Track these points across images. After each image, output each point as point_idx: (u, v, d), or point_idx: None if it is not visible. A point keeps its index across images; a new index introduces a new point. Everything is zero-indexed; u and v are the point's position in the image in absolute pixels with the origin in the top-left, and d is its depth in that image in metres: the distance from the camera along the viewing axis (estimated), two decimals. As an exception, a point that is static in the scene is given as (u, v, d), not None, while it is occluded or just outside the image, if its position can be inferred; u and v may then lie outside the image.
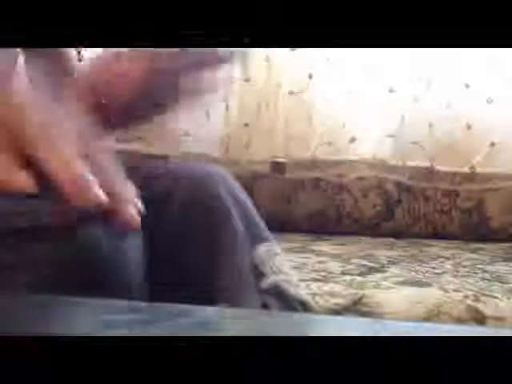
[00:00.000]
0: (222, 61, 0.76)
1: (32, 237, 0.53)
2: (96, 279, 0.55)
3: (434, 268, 1.52)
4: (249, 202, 0.78)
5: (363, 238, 1.89)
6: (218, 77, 0.78)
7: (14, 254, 0.53)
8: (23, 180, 0.51)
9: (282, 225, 1.88)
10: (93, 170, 0.52)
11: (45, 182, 0.52)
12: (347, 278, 1.39)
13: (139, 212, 0.56)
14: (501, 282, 1.39)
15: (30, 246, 0.53)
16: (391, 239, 1.88)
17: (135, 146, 1.85)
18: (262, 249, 0.75)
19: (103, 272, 0.56)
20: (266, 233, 0.78)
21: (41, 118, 0.54)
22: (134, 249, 0.59)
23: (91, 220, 0.54)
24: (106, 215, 0.54)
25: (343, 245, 1.77)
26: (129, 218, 0.55)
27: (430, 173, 1.92)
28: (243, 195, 0.78)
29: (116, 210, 0.54)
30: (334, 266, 1.49)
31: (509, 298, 1.30)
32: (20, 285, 0.53)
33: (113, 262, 0.57)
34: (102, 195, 0.52)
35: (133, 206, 0.55)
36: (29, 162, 0.52)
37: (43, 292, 0.50)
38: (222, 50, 0.73)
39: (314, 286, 1.32)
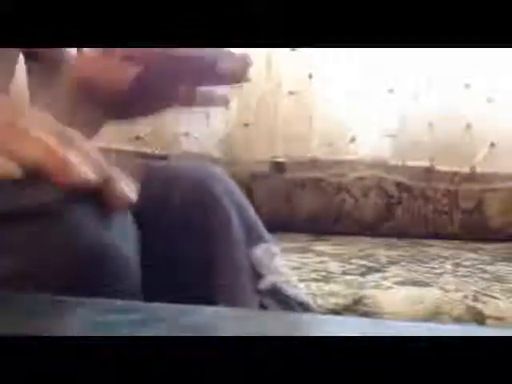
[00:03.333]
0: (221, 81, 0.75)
1: (16, 221, 0.53)
2: (85, 270, 0.55)
3: (433, 268, 1.52)
4: (247, 203, 0.78)
5: (363, 237, 1.89)
6: (215, 94, 0.77)
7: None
8: (9, 166, 0.51)
9: (282, 225, 1.88)
10: (78, 154, 0.52)
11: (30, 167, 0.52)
12: (347, 277, 1.39)
13: (131, 191, 0.55)
14: (501, 282, 1.39)
15: (13, 231, 0.53)
16: (391, 239, 1.88)
17: (135, 146, 1.85)
18: (260, 249, 0.75)
19: (89, 260, 0.55)
20: (265, 233, 0.78)
21: (26, 106, 0.54)
22: (122, 235, 0.59)
23: (79, 202, 0.54)
24: (94, 195, 0.53)
25: (343, 245, 1.77)
26: (118, 196, 0.54)
27: (429, 173, 1.92)
28: (241, 195, 0.78)
29: (104, 189, 0.53)
30: (334, 266, 1.49)
31: (509, 298, 1.30)
32: (7, 271, 0.53)
33: (103, 251, 0.56)
34: (87, 172, 0.51)
35: (122, 184, 0.54)
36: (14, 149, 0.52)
37: (29, 279, 0.51)
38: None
39: (314, 286, 1.32)
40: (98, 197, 0.53)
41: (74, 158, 0.51)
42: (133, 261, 0.61)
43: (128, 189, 0.54)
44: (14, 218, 0.53)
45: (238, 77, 0.74)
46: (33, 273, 0.53)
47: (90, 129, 0.73)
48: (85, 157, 0.52)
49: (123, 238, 0.59)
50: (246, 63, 0.73)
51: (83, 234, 0.55)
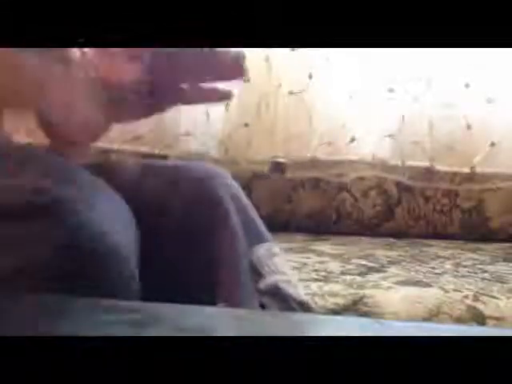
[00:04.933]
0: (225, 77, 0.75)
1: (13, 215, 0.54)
2: (81, 265, 0.55)
3: (433, 268, 1.52)
4: (248, 203, 0.78)
5: (363, 238, 1.89)
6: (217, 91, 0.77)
7: None
8: None
9: (282, 225, 1.88)
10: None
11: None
12: (347, 277, 1.39)
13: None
14: (501, 282, 1.39)
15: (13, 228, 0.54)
16: (391, 239, 1.88)
17: (135, 146, 1.84)
18: (260, 249, 0.75)
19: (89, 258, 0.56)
20: (265, 233, 0.78)
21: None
22: (122, 234, 0.59)
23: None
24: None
25: (343, 245, 1.77)
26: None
27: (429, 173, 1.92)
28: (242, 195, 0.78)
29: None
30: (334, 266, 1.49)
31: (509, 298, 1.30)
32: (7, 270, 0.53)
33: (100, 248, 0.56)
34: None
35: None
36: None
37: (27, 274, 0.51)
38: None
39: (314, 285, 1.32)
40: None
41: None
42: (132, 260, 0.61)
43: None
44: (14, 216, 0.53)
45: (237, 70, 0.74)
46: (33, 271, 0.53)
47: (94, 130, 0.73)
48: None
49: (123, 238, 0.59)
50: (241, 56, 0.73)
51: (85, 233, 0.55)
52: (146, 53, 0.71)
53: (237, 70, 0.72)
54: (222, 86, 0.77)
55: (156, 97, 0.74)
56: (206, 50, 0.70)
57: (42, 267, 0.54)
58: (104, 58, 0.70)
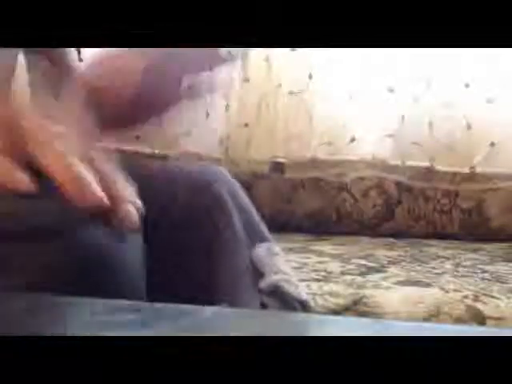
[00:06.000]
0: (222, 61, 0.75)
1: (30, 238, 0.53)
2: (95, 280, 0.55)
3: (434, 268, 1.52)
4: (248, 202, 0.79)
5: (363, 237, 1.89)
6: (217, 78, 0.77)
7: (13, 256, 0.53)
8: (24, 180, 0.51)
9: (282, 225, 1.88)
10: (91, 170, 0.52)
11: (44, 182, 0.52)
12: (347, 277, 1.39)
13: (138, 211, 0.55)
14: (501, 282, 1.39)
15: (27, 247, 0.53)
16: (391, 239, 1.88)
17: (135, 146, 1.84)
18: (261, 249, 0.75)
19: (102, 273, 0.56)
20: (266, 233, 0.78)
21: (39, 118, 0.54)
22: (134, 249, 0.59)
23: (90, 221, 0.54)
24: (105, 215, 0.54)
25: (343, 245, 1.77)
26: (127, 217, 0.55)
27: (429, 173, 1.92)
28: (243, 195, 0.78)
29: (114, 209, 0.54)
30: (334, 266, 1.49)
31: (509, 298, 1.30)
32: (18, 287, 0.53)
33: (112, 262, 0.57)
34: (100, 194, 0.52)
35: (131, 205, 0.55)
36: (28, 163, 0.52)
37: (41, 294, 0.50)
38: (221, 51, 0.72)
39: (314, 285, 1.32)
40: (107, 216, 0.54)
41: (89, 178, 0.52)
42: (136, 263, 0.61)
43: (134, 211, 0.55)
44: (24, 238, 0.53)
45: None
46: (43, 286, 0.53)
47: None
48: (98, 175, 0.52)
49: (128, 244, 0.59)
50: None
51: (95, 249, 0.55)
52: (146, 54, 0.71)
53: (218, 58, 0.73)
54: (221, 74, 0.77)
55: (157, 100, 0.75)
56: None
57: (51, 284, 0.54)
58: (100, 68, 0.70)
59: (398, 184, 1.94)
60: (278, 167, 1.94)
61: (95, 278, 0.55)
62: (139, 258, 0.61)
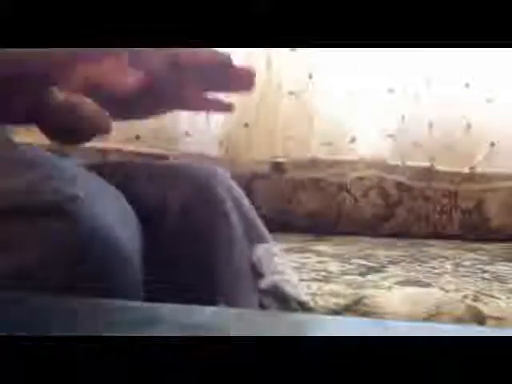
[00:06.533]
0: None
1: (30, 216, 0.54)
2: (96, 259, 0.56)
3: (434, 268, 1.52)
4: (248, 203, 0.79)
5: (363, 237, 1.89)
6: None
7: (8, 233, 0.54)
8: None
9: (282, 225, 1.88)
10: None
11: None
12: (347, 277, 1.39)
13: None
14: (501, 282, 1.39)
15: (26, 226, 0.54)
16: (391, 239, 1.88)
17: (135, 146, 1.84)
18: (260, 249, 0.75)
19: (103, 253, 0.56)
20: (265, 233, 0.78)
21: None
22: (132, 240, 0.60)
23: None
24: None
25: (343, 245, 1.77)
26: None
27: (429, 173, 1.92)
28: (242, 196, 0.78)
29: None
30: (334, 266, 1.49)
31: (509, 298, 1.30)
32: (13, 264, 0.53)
33: (113, 243, 0.57)
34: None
35: None
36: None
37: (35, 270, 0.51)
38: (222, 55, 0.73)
39: (314, 285, 1.32)
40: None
41: None
42: (135, 260, 0.61)
43: None
44: (27, 214, 0.54)
45: (245, 85, 0.75)
46: (41, 269, 0.54)
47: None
48: None
49: (130, 240, 0.59)
50: (252, 73, 0.75)
51: (99, 234, 0.55)
52: (152, 56, 0.71)
53: (247, 84, 0.74)
54: (223, 97, 0.78)
55: (157, 100, 0.74)
56: (219, 61, 0.71)
57: (53, 265, 0.54)
58: (109, 61, 0.70)
59: (398, 184, 1.94)
60: (278, 167, 1.94)
61: (96, 257, 0.56)
62: (137, 250, 0.61)
